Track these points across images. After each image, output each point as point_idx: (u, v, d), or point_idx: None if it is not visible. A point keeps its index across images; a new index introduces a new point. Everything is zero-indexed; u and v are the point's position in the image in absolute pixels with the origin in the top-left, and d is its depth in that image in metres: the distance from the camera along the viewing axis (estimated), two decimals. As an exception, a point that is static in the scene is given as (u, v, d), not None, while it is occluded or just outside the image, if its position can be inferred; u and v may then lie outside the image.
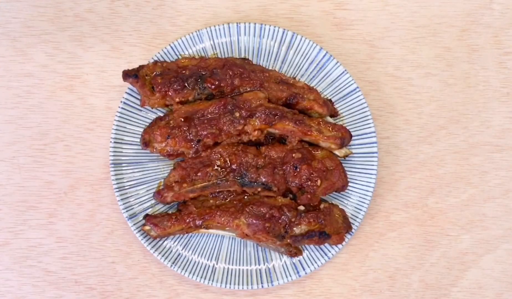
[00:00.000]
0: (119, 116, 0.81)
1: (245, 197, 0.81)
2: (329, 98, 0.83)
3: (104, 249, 0.84)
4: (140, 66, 0.80)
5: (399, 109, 0.86)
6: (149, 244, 0.81)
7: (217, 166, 0.79)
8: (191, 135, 0.79)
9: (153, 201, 0.82)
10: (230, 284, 0.81)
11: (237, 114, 0.79)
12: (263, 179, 0.79)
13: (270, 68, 0.83)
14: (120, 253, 0.84)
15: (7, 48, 0.85)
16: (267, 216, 0.78)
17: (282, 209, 0.79)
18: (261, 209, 0.79)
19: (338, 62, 0.82)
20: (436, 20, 0.87)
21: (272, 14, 0.86)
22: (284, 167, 0.79)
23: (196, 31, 0.82)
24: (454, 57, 0.87)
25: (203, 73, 0.80)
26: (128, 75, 0.79)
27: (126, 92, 0.81)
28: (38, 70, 0.85)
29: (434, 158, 0.86)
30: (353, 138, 0.81)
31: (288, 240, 0.79)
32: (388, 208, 0.85)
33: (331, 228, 0.79)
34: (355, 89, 0.82)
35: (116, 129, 0.81)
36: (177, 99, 0.80)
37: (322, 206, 0.80)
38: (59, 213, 0.84)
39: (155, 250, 0.81)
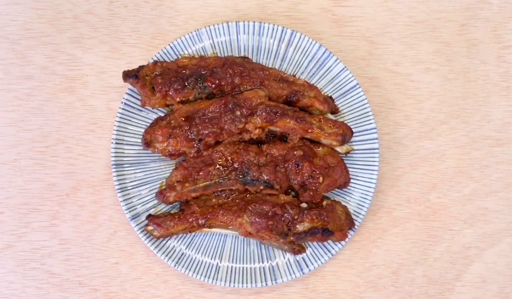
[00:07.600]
0: (120, 117, 0.81)
1: (248, 195, 0.81)
2: (329, 95, 0.83)
3: (107, 250, 0.84)
4: (140, 66, 0.80)
5: (400, 104, 0.86)
6: (153, 244, 0.81)
7: (219, 165, 0.79)
8: (192, 135, 0.79)
9: (155, 201, 0.82)
10: (234, 282, 0.81)
11: (238, 113, 0.79)
12: (265, 177, 0.79)
13: (270, 66, 0.83)
14: (123, 254, 0.84)
15: (7, 51, 0.85)
16: (269, 214, 0.79)
17: (285, 207, 0.79)
18: (264, 207, 0.79)
19: (338, 59, 0.82)
20: (435, 15, 0.87)
21: (270, 12, 0.86)
22: (286, 165, 0.79)
23: (195, 31, 0.82)
24: (454, 52, 0.87)
25: (203, 72, 0.80)
26: (128, 75, 0.79)
27: (126, 93, 0.81)
28: (38, 72, 0.85)
29: (435, 153, 0.86)
30: (354, 134, 0.82)
31: (291, 238, 0.79)
32: (390, 204, 0.85)
33: (334, 224, 0.79)
34: (355, 86, 0.82)
35: (117, 130, 0.81)
36: (178, 99, 0.80)
37: (324, 203, 0.80)
38: (61, 215, 0.84)
39: (159, 250, 0.81)
